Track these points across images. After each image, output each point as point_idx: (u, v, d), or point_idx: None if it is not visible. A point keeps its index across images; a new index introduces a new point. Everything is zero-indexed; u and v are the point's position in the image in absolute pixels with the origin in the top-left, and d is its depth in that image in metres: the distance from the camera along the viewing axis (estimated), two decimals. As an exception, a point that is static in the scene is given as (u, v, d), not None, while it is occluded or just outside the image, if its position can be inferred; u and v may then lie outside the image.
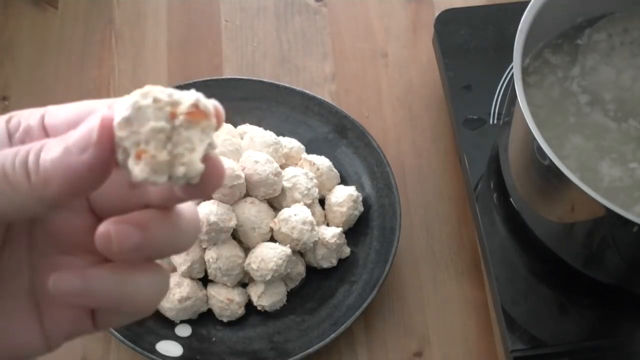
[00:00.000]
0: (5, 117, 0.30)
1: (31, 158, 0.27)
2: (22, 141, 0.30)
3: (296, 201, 0.67)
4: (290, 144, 0.71)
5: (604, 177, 0.60)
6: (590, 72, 0.65)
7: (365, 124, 0.75)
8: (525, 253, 0.67)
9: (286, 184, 0.68)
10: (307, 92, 0.75)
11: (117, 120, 0.26)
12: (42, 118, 0.30)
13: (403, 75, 0.80)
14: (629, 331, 0.65)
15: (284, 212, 0.66)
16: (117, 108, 0.27)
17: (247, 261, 0.65)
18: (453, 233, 0.72)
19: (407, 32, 0.83)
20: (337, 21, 0.83)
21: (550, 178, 0.57)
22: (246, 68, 0.80)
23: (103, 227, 0.29)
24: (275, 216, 0.67)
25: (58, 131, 0.30)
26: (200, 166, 0.27)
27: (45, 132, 0.30)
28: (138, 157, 0.26)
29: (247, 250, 0.67)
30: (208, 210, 0.63)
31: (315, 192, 0.68)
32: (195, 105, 0.27)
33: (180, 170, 0.26)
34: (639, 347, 0.64)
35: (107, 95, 0.79)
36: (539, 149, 0.55)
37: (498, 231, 0.67)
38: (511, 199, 0.67)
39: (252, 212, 0.66)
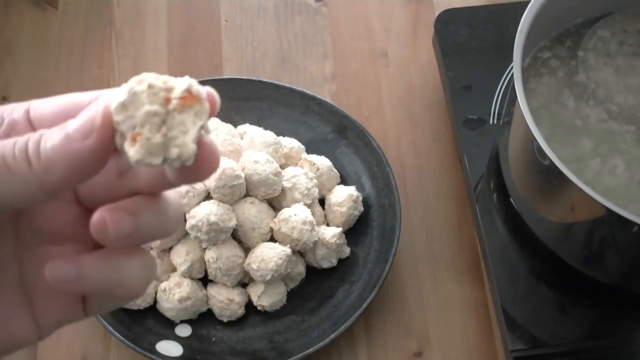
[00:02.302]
0: None
1: (31, 146, 0.28)
2: (8, 134, 0.30)
3: (296, 201, 0.67)
4: (290, 144, 0.71)
5: (604, 177, 0.60)
6: (590, 73, 0.65)
7: (365, 124, 0.75)
8: (525, 253, 0.67)
9: (286, 184, 0.68)
10: (307, 92, 0.75)
11: (114, 105, 0.27)
12: (27, 112, 0.30)
13: (403, 75, 0.80)
14: (629, 331, 0.65)
15: (284, 212, 0.66)
16: (114, 94, 0.28)
17: (247, 261, 0.65)
18: (453, 233, 0.72)
19: (407, 32, 0.83)
20: (337, 21, 0.83)
21: (550, 178, 0.57)
22: (246, 68, 0.80)
23: (98, 215, 0.29)
24: (275, 216, 0.67)
25: (44, 124, 0.30)
26: (192, 147, 0.27)
27: (31, 125, 0.30)
28: (133, 139, 0.27)
29: (247, 250, 0.67)
30: (208, 210, 0.63)
31: (315, 192, 0.68)
32: (188, 91, 0.28)
33: (174, 152, 0.27)
34: (639, 347, 0.64)
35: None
36: (539, 149, 0.55)
37: (498, 231, 0.67)
38: (511, 199, 0.67)
39: (252, 212, 0.66)
